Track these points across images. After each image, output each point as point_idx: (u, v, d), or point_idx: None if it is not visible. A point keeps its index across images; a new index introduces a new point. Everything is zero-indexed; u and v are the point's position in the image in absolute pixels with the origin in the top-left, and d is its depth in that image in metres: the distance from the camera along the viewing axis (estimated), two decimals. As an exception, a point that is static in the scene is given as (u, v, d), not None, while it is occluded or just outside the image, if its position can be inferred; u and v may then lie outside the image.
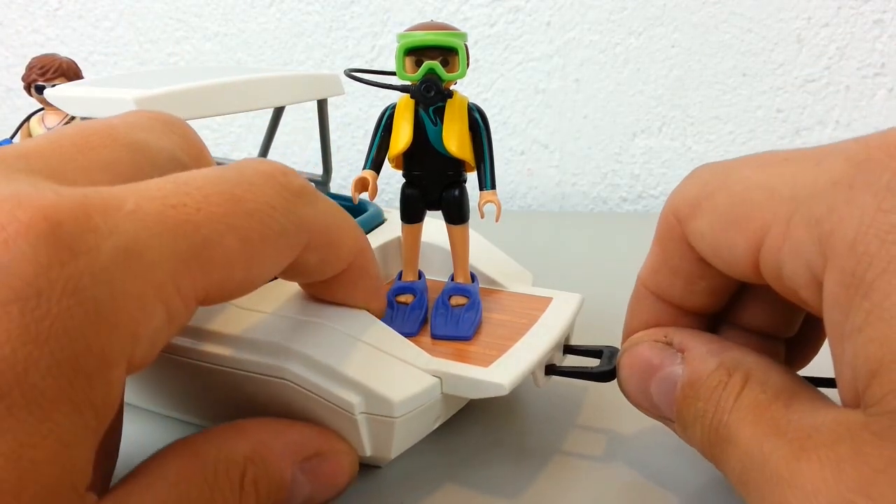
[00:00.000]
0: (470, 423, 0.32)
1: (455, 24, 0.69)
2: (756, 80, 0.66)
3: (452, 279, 0.34)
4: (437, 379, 0.27)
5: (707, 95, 0.67)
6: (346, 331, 0.27)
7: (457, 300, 0.32)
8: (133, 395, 0.33)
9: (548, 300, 0.34)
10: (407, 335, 0.29)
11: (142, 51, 0.71)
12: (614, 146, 0.70)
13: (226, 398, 0.28)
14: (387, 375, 0.27)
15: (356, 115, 0.72)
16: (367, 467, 0.29)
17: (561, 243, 0.59)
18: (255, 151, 0.73)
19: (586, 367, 0.30)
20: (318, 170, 0.44)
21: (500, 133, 0.71)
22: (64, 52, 0.75)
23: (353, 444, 0.27)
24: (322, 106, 0.41)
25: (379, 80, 0.31)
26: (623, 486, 0.28)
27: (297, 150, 0.73)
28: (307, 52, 0.71)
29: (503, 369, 0.28)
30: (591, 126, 0.70)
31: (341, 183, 0.74)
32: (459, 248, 0.33)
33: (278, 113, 0.43)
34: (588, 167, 0.71)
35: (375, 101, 0.71)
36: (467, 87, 0.69)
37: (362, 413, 0.26)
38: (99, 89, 0.30)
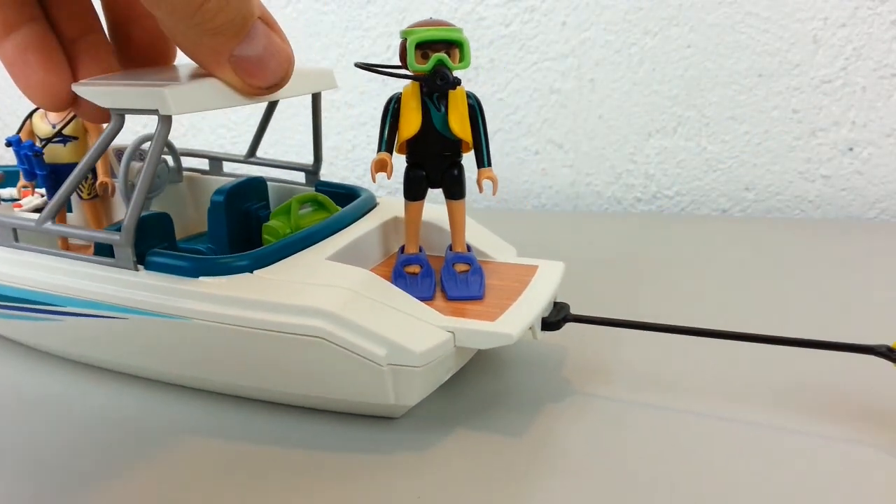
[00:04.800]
0: (475, 376, 0.37)
1: (471, 25, 0.69)
2: (772, 80, 0.66)
3: (451, 250, 0.38)
4: (450, 333, 0.31)
5: (723, 96, 0.67)
6: (369, 295, 0.31)
7: (460, 267, 0.36)
8: (164, 367, 0.35)
9: (534, 268, 0.38)
10: (423, 299, 0.33)
11: (159, 50, 0.71)
12: (629, 146, 0.70)
13: (260, 361, 0.32)
14: (408, 331, 0.30)
15: (371, 115, 0.72)
16: (384, 419, 0.33)
17: (574, 242, 0.59)
18: (272, 150, 0.74)
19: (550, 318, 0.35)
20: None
21: (515, 133, 0.71)
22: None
23: (379, 394, 0.30)
24: (316, 99, 0.43)
25: (390, 71, 0.35)
26: (610, 425, 0.33)
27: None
28: (323, 51, 0.71)
29: (509, 322, 0.32)
30: (605, 126, 0.70)
31: (356, 181, 0.75)
32: (458, 222, 0.37)
33: (271, 107, 0.45)
34: (603, 167, 0.71)
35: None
36: (482, 87, 0.70)
37: (389, 364, 0.30)
38: (130, 84, 0.31)
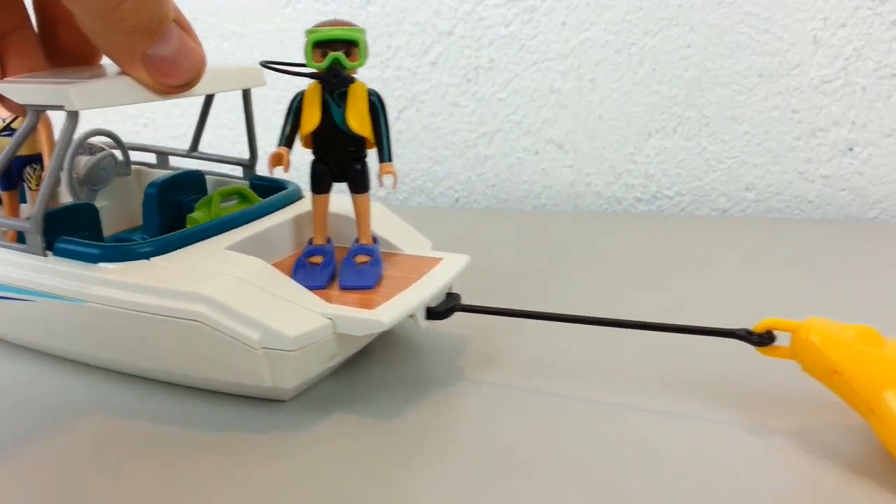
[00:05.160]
0: (373, 362, 0.39)
1: (471, 25, 0.69)
2: (772, 80, 0.66)
3: (357, 242, 0.39)
4: (329, 320, 0.33)
5: (723, 96, 0.67)
6: (254, 282, 0.33)
7: (361, 258, 0.38)
8: (68, 347, 0.38)
9: (437, 260, 0.39)
10: (316, 288, 0.35)
11: (159, 50, 0.71)
12: (629, 146, 0.70)
13: (148, 342, 0.34)
14: (285, 317, 0.32)
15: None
16: (274, 402, 0.35)
17: (574, 243, 0.59)
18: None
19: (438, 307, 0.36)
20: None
21: (515, 133, 0.71)
22: (83, 51, 0.76)
23: (256, 376, 0.32)
24: (246, 95, 0.45)
25: (292, 70, 0.36)
26: (496, 410, 0.34)
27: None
28: (323, 51, 0.72)
29: (385, 311, 0.33)
30: (605, 126, 0.70)
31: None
32: (362, 215, 0.39)
33: (208, 103, 0.47)
34: (603, 167, 0.71)
35: (390, 101, 0.71)
36: (482, 87, 0.70)
37: (263, 348, 0.31)
38: (40, 82, 0.33)
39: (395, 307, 0.34)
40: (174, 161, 0.50)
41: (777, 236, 0.60)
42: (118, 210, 0.48)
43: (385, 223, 0.42)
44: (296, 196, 0.44)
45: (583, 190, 0.72)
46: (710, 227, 0.64)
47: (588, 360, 0.38)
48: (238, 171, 0.47)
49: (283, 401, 0.35)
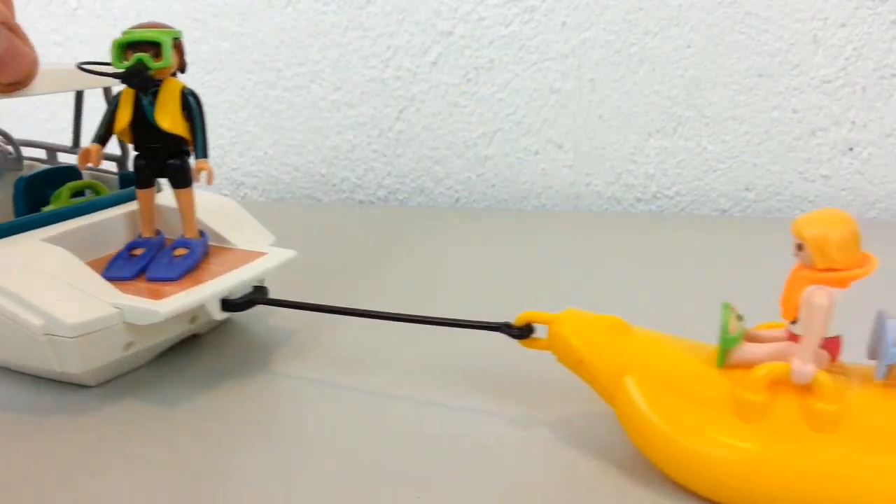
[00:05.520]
0: (191, 351, 0.40)
1: (470, 25, 0.69)
2: (772, 80, 0.66)
3: (182, 236, 0.40)
4: (116, 309, 0.34)
5: (723, 96, 0.67)
6: (46, 270, 0.35)
7: (179, 251, 0.39)
8: None
9: (261, 254, 0.41)
10: (122, 279, 0.37)
11: (159, 50, 0.71)
12: (629, 146, 0.70)
13: None
14: (70, 305, 0.33)
15: (371, 115, 0.72)
16: (80, 386, 0.36)
17: (574, 244, 0.59)
18: (272, 150, 0.74)
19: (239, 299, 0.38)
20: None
21: (515, 133, 0.71)
22: (83, 51, 0.76)
23: (45, 361, 0.34)
24: (79, 96, 0.48)
25: (103, 70, 0.38)
26: (287, 401, 0.36)
27: (312, 148, 0.74)
28: (323, 51, 0.72)
29: (168, 302, 0.35)
30: (605, 126, 0.70)
31: (356, 181, 0.75)
32: (184, 209, 0.40)
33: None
34: (602, 167, 0.71)
35: (390, 101, 0.71)
36: (482, 87, 0.70)
37: (45, 334, 0.33)
38: None
39: (182, 298, 0.35)
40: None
41: (776, 236, 0.60)
42: (9, 204, 0.50)
43: (224, 218, 0.43)
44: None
45: (583, 190, 0.72)
46: (710, 227, 0.64)
47: (388, 355, 0.40)
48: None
49: (90, 385, 0.36)
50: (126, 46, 0.36)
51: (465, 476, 0.30)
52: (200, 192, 0.41)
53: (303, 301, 0.37)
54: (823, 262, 0.26)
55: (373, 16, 0.70)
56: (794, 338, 0.28)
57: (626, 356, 0.30)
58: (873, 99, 0.65)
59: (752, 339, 0.29)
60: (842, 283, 0.27)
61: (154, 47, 0.36)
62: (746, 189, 0.69)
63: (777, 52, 0.65)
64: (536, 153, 0.72)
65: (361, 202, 0.76)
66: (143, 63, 0.36)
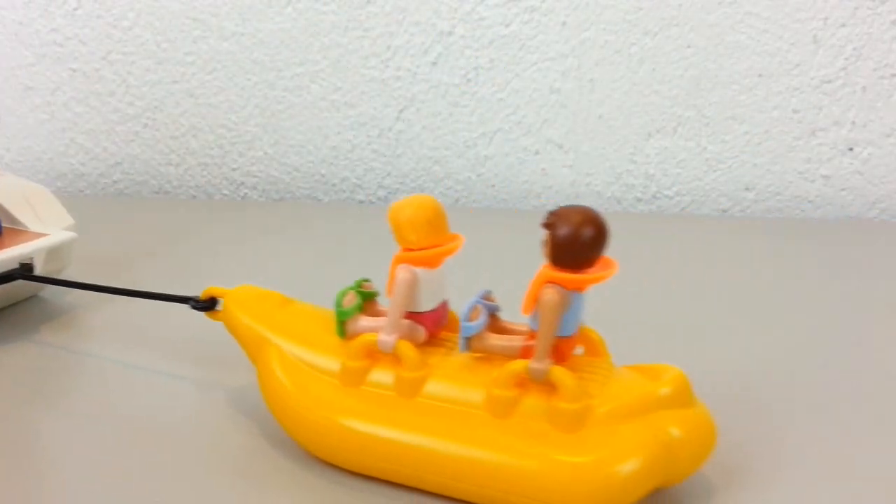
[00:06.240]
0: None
1: (471, 25, 0.68)
2: (772, 80, 0.66)
3: None
4: None
5: (723, 96, 0.67)
6: None
7: None
8: None
9: (40, 236, 0.43)
10: None
11: (159, 50, 0.71)
12: (629, 146, 0.70)
13: None
14: None
15: (371, 115, 0.72)
16: None
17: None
18: (272, 150, 0.74)
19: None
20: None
21: (515, 133, 0.71)
22: (83, 51, 0.76)
23: None
24: None
25: None
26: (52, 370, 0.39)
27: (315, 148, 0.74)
28: (323, 51, 0.72)
29: None
30: (605, 126, 0.70)
31: (356, 181, 0.75)
32: None
33: None
34: (602, 167, 0.71)
35: (390, 101, 0.71)
36: (482, 87, 0.70)
37: None
38: None
39: None
40: None
41: (777, 236, 0.60)
42: None
43: (24, 201, 0.45)
44: None
45: (583, 190, 0.72)
46: (710, 227, 0.64)
47: (133, 327, 0.43)
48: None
49: None
50: None
51: (158, 445, 0.32)
52: (11, 178, 0.43)
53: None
54: (402, 242, 0.30)
55: (373, 16, 0.70)
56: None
57: (274, 326, 0.33)
58: (873, 99, 0.65)
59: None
60: (427, 263, 0.30)
61: None
62: (746, 189, 0.69)
63: (777, 52, 0.65)
64: (536, 153, 0.72)
65: (361, 202, 0.76)
66: None
